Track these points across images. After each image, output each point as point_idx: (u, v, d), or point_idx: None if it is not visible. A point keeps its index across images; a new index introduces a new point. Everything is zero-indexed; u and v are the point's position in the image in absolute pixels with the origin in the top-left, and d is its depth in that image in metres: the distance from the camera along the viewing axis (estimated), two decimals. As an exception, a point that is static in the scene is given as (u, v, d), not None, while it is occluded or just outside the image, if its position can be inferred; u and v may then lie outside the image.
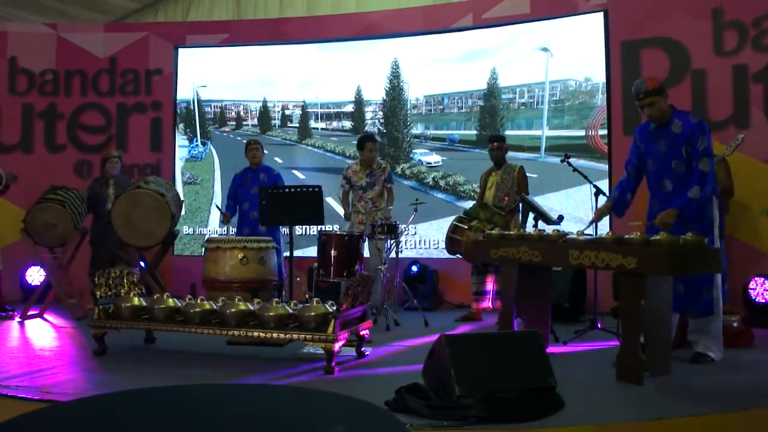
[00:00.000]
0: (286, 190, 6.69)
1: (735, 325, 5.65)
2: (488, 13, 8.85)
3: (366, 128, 9.60)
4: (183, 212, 8.16)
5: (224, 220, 7.80)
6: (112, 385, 4.40)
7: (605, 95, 8.18)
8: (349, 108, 9.74)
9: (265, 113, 9.99)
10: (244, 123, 10.04)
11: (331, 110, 9.84)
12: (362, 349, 5.31)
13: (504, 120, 9.04)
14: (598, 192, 6.17)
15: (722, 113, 7.37)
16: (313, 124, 9.88)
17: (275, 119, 9.99)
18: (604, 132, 8.28)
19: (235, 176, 7.97)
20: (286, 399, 1.62)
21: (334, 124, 9.83)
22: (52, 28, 9.81)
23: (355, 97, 9.68)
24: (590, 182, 6.32)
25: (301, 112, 9.88)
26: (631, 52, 7.98)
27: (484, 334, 5.35)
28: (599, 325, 6.01)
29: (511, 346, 4.08)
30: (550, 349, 5.07)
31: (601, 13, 8.19)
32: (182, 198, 8.04)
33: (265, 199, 6.34)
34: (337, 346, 4.69)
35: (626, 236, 4.49)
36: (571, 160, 6.42)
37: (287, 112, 9.98)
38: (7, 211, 7.96)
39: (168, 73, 9.75)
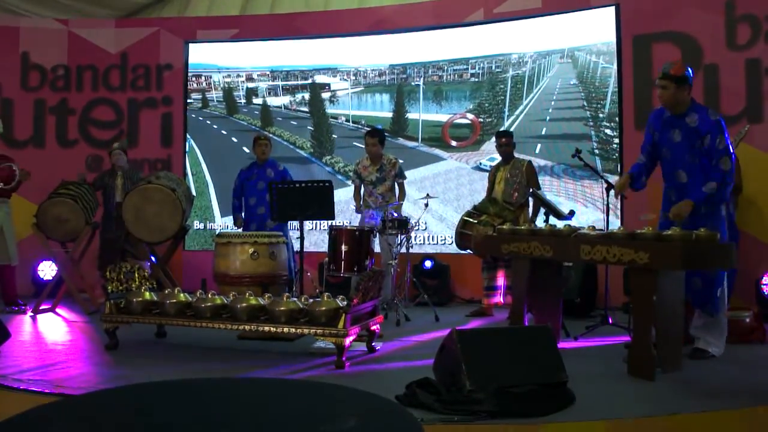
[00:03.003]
0: (296, 185, 6.69)
1: (747, 320, 5.61)
2: (499, 7, 8.81)
3: (325, 104, 9.74)
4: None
5: (237, 224, 7.83)
6: (123, 379, 4.42)
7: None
8: (316, 78, 9.80)
9: (229, 92, 10.00)
10: (209, 98, 10.02)
11: (298, 81, 9.83)
12: (373, 343, 5.32)
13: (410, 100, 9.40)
14: (609, 187, 6.13)
15: (735, 108, 7.31)
16: (275, 101, 9.89)
17: (240, 92, 9.99)
18: (462, 121, 9.00)
19: (240, 171, 7.96)
20: (299, 392, 1.62)
21: (298, 97, 9.84)
22: (63, 24, 9.83)
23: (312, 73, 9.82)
24: (602, 177, 6.30)
25: (266, 85, 9.92)
26: (642, 46, 7.94)
27: (495, 329, 5.35)
28: (610, 321, 5.98)
29: (523, 341, 4.08)
30: (561, 345, 5.04)
31: (613, 8, 8.14)
32: (193, 193, 8.05)
33: (275, 195, 6.34)
34: (347, 340, 4.70)
35: (638, 231, 4.47)
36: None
37: (251, 85, 9.99)
38: (20, 206, 7.98)
39: (178, 68, 9.76)
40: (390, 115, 9.47)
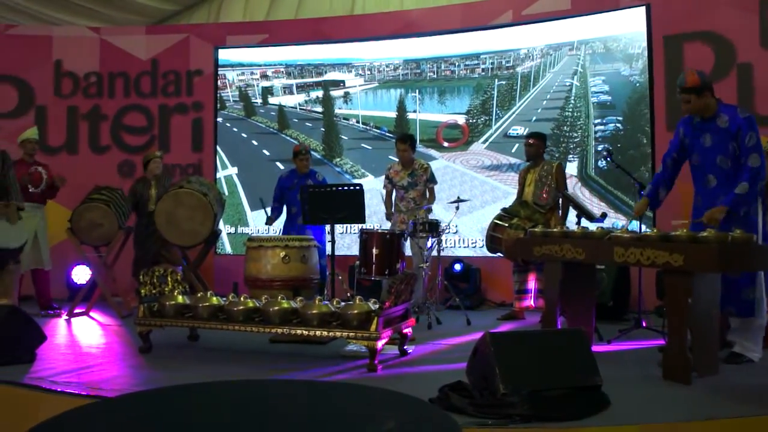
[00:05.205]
0: (327, 189, 6.70)
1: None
2: (528, 9, 8.77)
3: (338, 104, 9.77)
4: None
5: (268, 221, 7.82)
6: (158, 381, 4.45)
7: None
8: (329, 75, 9.82)
9: (245, 92, 10.04)
10: (225, 98, 10.03)
11: (312, 77, 9.85)
12: (405, 347, 5.30)
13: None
14: (641, 187, 6.06)
15: (770, 107, 7.22)
16: (290, 101, 9.92)
17: (255, 90, 10.02)
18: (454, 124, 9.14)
19: (280, 178, 7.94)
20: (337, 394, 1.62)
21: (313, 95, 9.86)
22: (95, 32, 9.97)
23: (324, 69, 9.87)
24: (633, 178, 6.24)
25: (281, 83, 9.97)
26: (674, 46, 7.85)
27: (529, 332, 5.31)
28: (644, 324, 5.91)
29: (556, 345, 4.04)
30: (594, 348, 4.97)
31: (643, 8, 8.05)
32: (224, 197, 8.09)
33: (306, 200, 6.35)
34: (379, 344, 4.69)
35: (672, 233, 4.41)
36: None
37: (266, 84, 10.02)
38: (54, 211, 8.08)
39: (208, 73, 9.84)
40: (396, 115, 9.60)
